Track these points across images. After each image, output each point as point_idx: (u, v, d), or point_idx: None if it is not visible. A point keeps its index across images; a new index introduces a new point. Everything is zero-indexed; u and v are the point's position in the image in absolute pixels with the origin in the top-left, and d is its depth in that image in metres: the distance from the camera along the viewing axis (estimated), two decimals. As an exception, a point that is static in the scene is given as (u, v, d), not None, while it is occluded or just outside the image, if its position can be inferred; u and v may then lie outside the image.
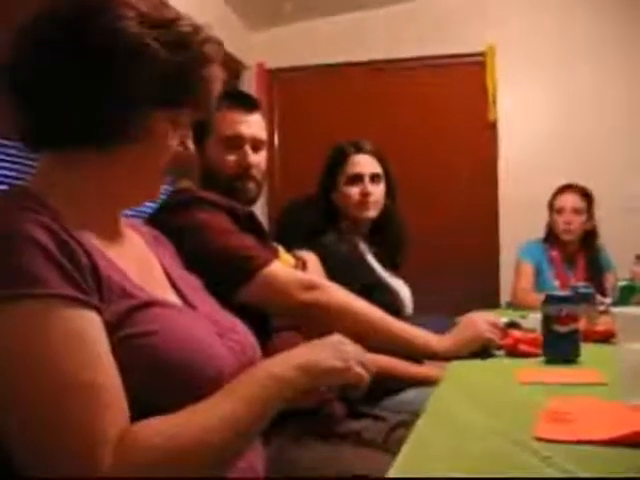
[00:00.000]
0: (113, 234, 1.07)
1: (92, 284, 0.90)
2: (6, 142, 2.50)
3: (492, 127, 4.52)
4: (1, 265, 0.83)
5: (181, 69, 1.00)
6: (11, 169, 2.55)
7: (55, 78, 0.96)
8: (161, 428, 0.87)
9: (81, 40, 0.95)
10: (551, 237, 3.75)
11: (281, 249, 2.01)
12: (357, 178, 2.40)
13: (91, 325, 0.87)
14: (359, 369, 1.11)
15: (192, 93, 1.04)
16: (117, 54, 0.95)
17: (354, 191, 2.39)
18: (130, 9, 0.98)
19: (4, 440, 0.83)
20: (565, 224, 3.65)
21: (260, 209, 4.23)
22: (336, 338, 1.14)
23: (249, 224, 1.81)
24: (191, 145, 1.11)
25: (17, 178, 2.55)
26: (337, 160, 2.44)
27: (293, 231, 2.51)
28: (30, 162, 2.55)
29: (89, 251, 0.92)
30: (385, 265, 2.45)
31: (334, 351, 1.09)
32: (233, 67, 4.52)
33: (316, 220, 2.44)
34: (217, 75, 1.07)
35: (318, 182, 2.50)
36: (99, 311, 0.89)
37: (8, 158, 2.54)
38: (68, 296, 0.85)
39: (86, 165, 1.01)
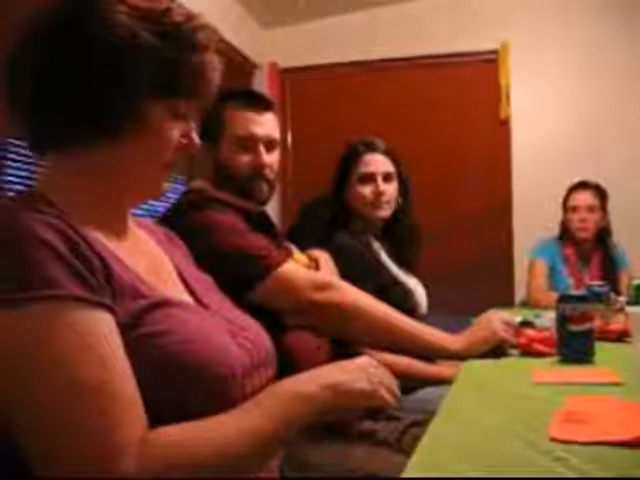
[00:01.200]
0: (121, 233, 1.07)
1: (104, 284, 0.90)
2: (18, 142, 2.52)
3: (505, 125, 4.50)
4: (12, 268, 0.83)
5: (174, 57, 1.00)
6: (24, 169, 2.57)
7: (48, 77, 0.96)
8: (184, 436, 0.87)
9: (72, 38, 0.96)
10: (565, 235, 3.73)
11: (294, 249, 2.01)
12: (369, 177, 2.39)
13: (105, 326, 0.87)
14: (385, 393, 1.10)
15: (187, 81, 1.03)
16: (111, 48, 0.96)
17: (367, 190, 2.38)
18: (120, 3, 0.99)
19: (19, 443, 0.83)
20: (580, 222, 3.62)
21: (272, 208, 4.23)
22: (365, 360, 1.14)
23: (262, 224, 1.81)
24: (196, 138, 1.10)
25: (29, 178, 2.56)
26: (349, 159, 2.44)
27: (310, 230, 2.51)
28: (42, 162, 2.56)
29: (99, 251, 0.92)
30: (399, 264, 2.45)
31: (362, 373, 1.09)
32: (245, 66, 4.53)
33: (329, 219, 2.44)
34: (212, 62, 1.06)
35: (330, 181, 2.50)
36: (112, 311, 0.89)
37: (20, 158, 2.55)
38: (81, 297, 0.85)
39: (89, 164, 1.01)
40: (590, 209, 3.63)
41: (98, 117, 0.97)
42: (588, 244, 3.67)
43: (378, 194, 2.37)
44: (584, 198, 3.66)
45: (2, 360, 0.82)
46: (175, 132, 1.05)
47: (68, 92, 0.96)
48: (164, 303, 0.98)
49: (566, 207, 3.72)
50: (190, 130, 1.09)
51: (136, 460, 0.81)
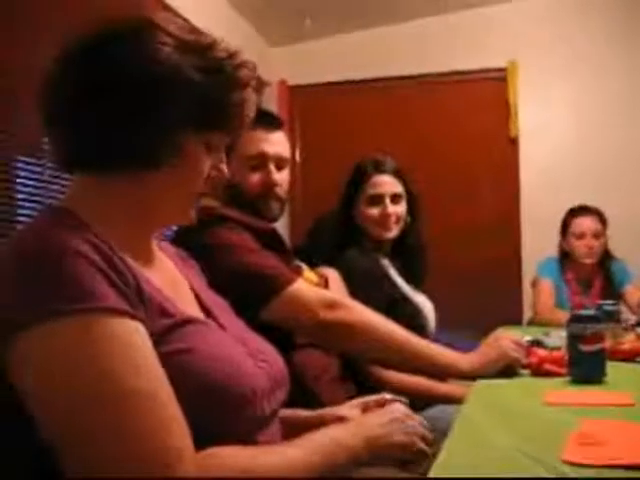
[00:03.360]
0: (146, 255, 1.08)
1: (137, 300, 0.91)
2: (31, 160, 2.53)
3: (514, 143, 4.51)
4: (54, 280, 0.83)
5: (215, 94, 1.02)
6: (36, 187, 2.58)
7: (91, 105, 0.97)
8: (238, 458, 0.91)
9: (117, 67, 0.96)
10: (566, 260, 3.66)
11: (304, 267, 2.01)
12: (377, 198, 2.39)
13: (145, 338, 0.88)
14: (422, 445, 1.16)
15: (226, 117, 1.05)
16: (153, 80, 0.96)
17: (374, 211, 2.38)
18: (166, 35, 1.00)
19: (57, 453, 0.83)
20: (587, 248, 3.56)
21: (281, 226, 4.23)
22: (400, 410, 1.20)
23: (272, 242, 1.81)
24: (225, 169, 1.11)
25: (42, 195, 2.57)
26: (357, 180, 2.43)
27: (319, 248, 2.51)
28: (54, 180, 2.58)
29: (131, 268, 0.93)
30: (408, 281, 2.45)
31: (399, 425, 1.15)
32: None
33: (338, 237, 2.44)
34: (251, 99, 1.07)
35: (339, 200, 2.50)
36: (146, 325, 0.90)
37: (33, 176, 2.57)
38: (122, 310, 0.86)
39: (121, 189, 1.01)
40: (596, 236, 3.57)
41: (134, 147, 0.98)
42: (590, 268, 3.61)
43: (386, 215, 2.37)
44: (590, 224, 3.59)
45: (45, 372, 0.82)
46: (208, 164, 1.06)
47: (106, 121, 0.96)
48: (189, 321, 0.99)
49: (568, 232, 3.65)
50: (221, 162, 1.09)
51: (191, 470, 0.83)
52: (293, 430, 1.16)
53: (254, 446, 0.98)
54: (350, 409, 1.34)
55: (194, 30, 1.05)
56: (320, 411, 1.36)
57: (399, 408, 1.21)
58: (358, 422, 1.17)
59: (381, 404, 1.32)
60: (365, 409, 1.33)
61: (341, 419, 1.26)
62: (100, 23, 1.01)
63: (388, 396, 1.34)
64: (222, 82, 1.02)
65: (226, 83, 1.02)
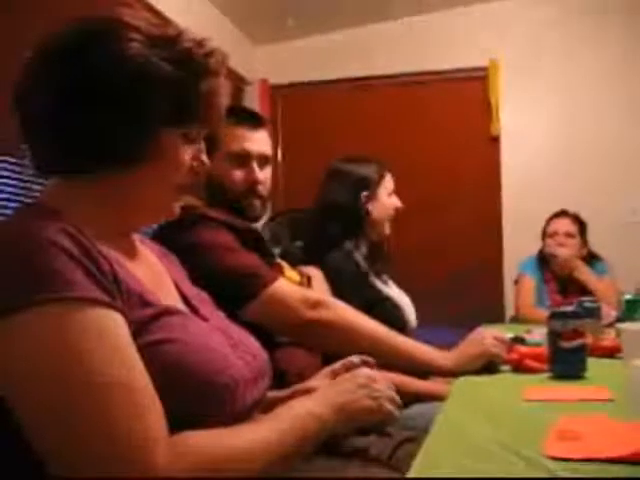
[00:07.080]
0: (127, 248, 1.07)
1: (115, 290, 0.91)
2: (9, 159, 2.52)
3: (495, 142, 4.52)
4: (29, 270, 0.83)
5: (187, 84, 1.01)
6: (15, 185, 2.57)
7: (67, 108, 0.96)
8: (207, 441, 0.90)
9: (88, 67, 0.96)
10: (544, 264, 3.67)
11: (286, 265, 2.01)
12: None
13: (122, 328, 0.88)
14: (389, 406, 1.16)
15: (200, 107, 1.05)
16: (126, 78, 0.96)
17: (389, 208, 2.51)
18: (133, 31, 1.00)
19: (35, 443, 0.82)
20: (557, 244, 3.58)
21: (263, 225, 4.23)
22: (365, 374, 1.19)
23: (253, 242, 1.81)
24: (206, 159, 1.11)
25: (21, 194, 2.56)
26: (377, 178, 2.49)
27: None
28: (33, 179, 2.56)
29: (108, 258, 0.93)
30: (378, 276, 2.45)
31: (365, 389, 1.15)
32: (236, 83, 4.54)
33: (341, 231, 2.42)
34: (223, 87, 1.08)
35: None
36: (125, 315, 0.90)
37: (11, 174, 2.55)
38: (98, 299, 0.86)
39: (99, 187, 1.01)
40: (568, 234, 3.60)
41: (113, 147, 0.98)
42: (565, 275, 3.60)
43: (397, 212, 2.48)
44: (562, 223, 3.64)
45: (20, 362, 0.82)
46: (187, 156, 1.06)
47: (82, 123, 0.96)
48: (169, 312, 0.99)
49: (545, 235, 3.69)
50: (200, 153, 1.10)
51: (166, 457, 0.83)
52: (267, 411, 1.16)
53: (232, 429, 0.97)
54: (319, 379, 1.34)
55: (160, 22, 1.05)
56: (290, 388, 1.36)
57: (365, 372, 1.20)
58: (324, 390, 1.16)
59: (349, 368, 1.31)
60: (334, 376, 1.33)
61: (310, 391, 1.24)
62: (69, 24, 1.01)
63: (356, 359, 1.33)
64: (192, 71, 1.02)
65: (196, 72, 1.02)
